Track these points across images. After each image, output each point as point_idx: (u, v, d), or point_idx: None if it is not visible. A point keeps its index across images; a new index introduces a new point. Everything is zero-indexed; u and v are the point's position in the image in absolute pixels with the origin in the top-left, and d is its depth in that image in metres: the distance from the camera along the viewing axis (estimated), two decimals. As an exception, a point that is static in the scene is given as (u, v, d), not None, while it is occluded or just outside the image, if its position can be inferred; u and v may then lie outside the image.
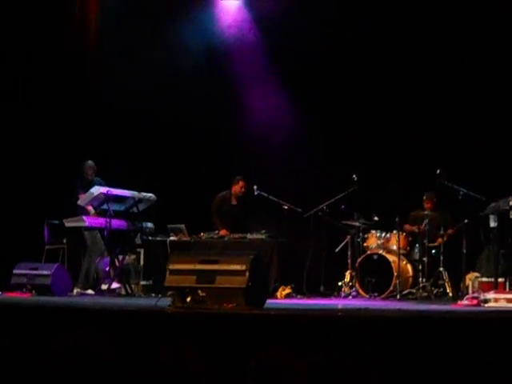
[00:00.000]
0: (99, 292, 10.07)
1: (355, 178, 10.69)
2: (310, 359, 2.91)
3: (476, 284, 9.29)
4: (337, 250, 10.89)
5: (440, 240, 10.43)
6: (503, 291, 8.25)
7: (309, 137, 11.71)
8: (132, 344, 5.31)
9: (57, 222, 10.79)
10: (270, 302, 7.49)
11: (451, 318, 6.04)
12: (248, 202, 11.11)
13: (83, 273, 10.49)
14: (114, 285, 10.32)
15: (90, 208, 10.46)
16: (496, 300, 7.67)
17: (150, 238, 10.68)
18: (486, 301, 7.75)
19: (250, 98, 12.09)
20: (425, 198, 10.83)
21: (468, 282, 9.59)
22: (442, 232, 10.42)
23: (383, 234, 10.76)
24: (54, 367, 3.35)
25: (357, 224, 10.79)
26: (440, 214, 10.70)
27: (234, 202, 11.16)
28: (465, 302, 8.28)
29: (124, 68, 11.85)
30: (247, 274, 6.69)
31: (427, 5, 11.22)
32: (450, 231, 10.49)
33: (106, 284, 10.25)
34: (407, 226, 10.86)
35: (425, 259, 10.38)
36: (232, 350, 5.15)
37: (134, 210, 10.49)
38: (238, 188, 11.08)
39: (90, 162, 10.89)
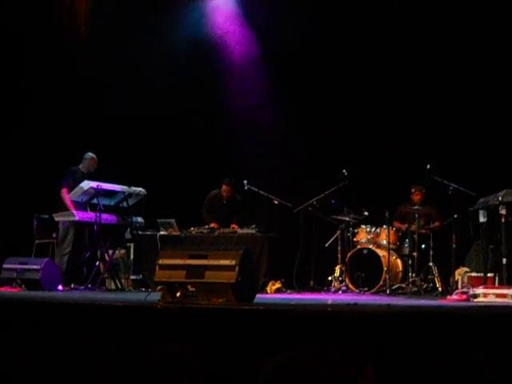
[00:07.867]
0: (89, 287, 10.04)
1: (345, 173, 10.67)
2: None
3: (465, 279, 9.29)
4: (327, 244, 10.87)
5: (425, 232, 10.42)
6: (492, 286, 8.25)
7: (299, 132, 11.70)
8: (121, 339, 5.30)
9: (46, 216, 10.76)
10: (259, 296, 7.49)
11: (441, 313, 6.06)
12: (238, 202, 11.14)
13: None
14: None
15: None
16: (485, 295, 7.67)
17: (139, 232, 10.65)
18: (476, 296, 7.75)
19: (241, 93, 12.06)
20: (413, 190, 10.81)
21: (457, 276, 9.58)
22: (430, 226, 10.41)
23: (373, 229, 10.75)
24: (43, 362, 3.35)
25: (347, 219, 10.78)
26: (428, 208, 10.71)
27: (224, 201, 11.19)
28: (454, 296, 8.27)
29: (114, 61, 11.84)
30: (237, 269, 6.68)
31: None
32: (436, 224, 10.48)
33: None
34: (396, 224, 10.86)
35: (414, 254, 10.38)
36: (221, 344, 5.15)
37: (124, 204, 10.46)
38: (222, 191, 11.14)
39: (90, 153, 10.68)
